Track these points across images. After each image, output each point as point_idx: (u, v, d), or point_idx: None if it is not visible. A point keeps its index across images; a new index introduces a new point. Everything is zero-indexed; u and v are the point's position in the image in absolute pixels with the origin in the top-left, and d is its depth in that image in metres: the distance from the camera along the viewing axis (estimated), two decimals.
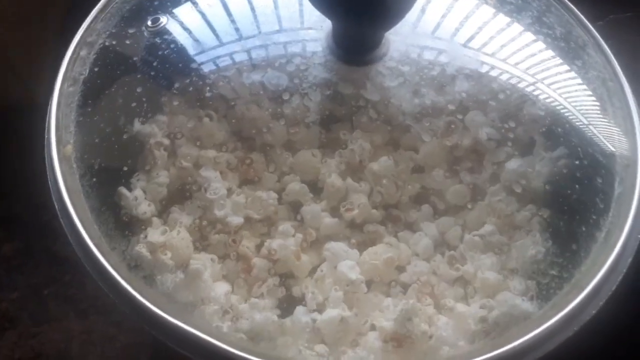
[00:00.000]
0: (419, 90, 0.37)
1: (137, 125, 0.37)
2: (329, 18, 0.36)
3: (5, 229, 0.67)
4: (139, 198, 0.36)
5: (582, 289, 0.33)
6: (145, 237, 0.34)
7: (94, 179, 0.36)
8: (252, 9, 0.40)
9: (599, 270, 0.34)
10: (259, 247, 0.36)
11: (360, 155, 0.37)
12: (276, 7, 0.40)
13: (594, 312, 0.33)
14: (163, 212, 0.36)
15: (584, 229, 0.36)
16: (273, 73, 0.36)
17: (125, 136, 0.37)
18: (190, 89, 0.38)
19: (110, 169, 0.37)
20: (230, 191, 0.37)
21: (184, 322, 0.31)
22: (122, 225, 0.35)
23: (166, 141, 0.37)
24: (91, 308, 0.72)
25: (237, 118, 0.38)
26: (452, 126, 0.37)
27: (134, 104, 0.38)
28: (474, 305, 0.35)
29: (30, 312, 0.70)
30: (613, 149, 0.39)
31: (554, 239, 0.36)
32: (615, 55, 0.42)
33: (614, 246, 0.35)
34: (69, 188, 0.35)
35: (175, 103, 0.38)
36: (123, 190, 0.36)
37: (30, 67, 0.57)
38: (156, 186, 0.36)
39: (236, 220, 0.35)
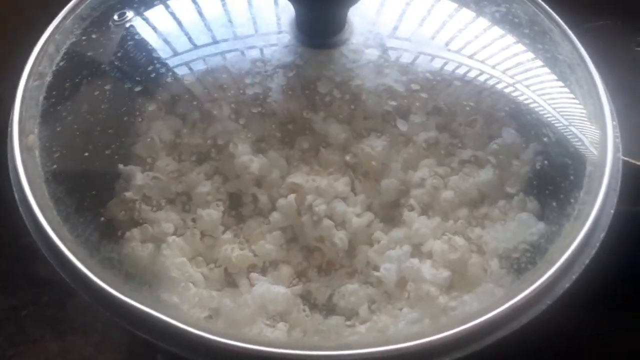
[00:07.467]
0: (383, 71, 0.37)
1: None
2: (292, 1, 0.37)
3: None
4: None
5: (554, 263, 0.33)
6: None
7: (55, 166, 0.35)
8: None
9: (570, 245, 0.33)
10: None
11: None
12: None
13: (567, 285, 0.33)
14: None
15: (554, 204, 0.36)
16: (236, 57, 0.37)
17: (94, 132, 0.37)
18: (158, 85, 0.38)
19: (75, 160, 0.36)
20: None
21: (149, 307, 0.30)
22: (84, 212, 0.34)
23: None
24: (69, 329, 0.70)
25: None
26: None
27: (101, 99, 0.38)
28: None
29: (7, 334, 0.68)
30: (581, 132, 0.39)
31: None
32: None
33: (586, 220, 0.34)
34: (29, 177, 0.34)
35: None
36: None
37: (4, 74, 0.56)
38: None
39: None
